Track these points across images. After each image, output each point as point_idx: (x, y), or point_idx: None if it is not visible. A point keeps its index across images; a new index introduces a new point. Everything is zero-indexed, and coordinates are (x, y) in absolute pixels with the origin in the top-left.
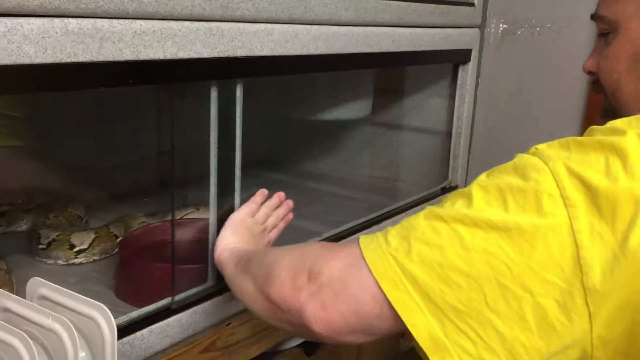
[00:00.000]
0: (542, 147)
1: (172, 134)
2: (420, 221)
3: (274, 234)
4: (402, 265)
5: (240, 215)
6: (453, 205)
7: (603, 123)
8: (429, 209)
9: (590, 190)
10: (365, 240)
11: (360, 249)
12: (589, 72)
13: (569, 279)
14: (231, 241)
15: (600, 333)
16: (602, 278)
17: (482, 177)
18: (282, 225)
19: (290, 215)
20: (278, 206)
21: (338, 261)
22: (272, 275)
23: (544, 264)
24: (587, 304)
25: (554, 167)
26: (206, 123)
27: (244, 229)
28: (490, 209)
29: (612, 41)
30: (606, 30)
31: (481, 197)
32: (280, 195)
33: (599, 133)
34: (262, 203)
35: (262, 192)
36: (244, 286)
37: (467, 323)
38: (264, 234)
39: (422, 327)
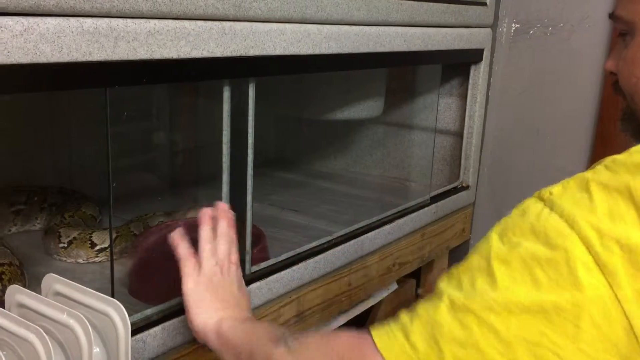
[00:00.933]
0: (556, 192)
1: (107, 134)
2: (443, 316)
3: (234, 257)
4: None
5: (208, 272)
6: (473, 286)
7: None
8: (449, 299)
9: (628, 251)
10: (382, 338)
11: (380, 354)
12: (611, 73)
13: (624, 354)
14: (220, 310)
15: None
16: None
17: (497, 244)
18: (233, 235)
19: (233, 234)
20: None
21: None
22: None
23: (594, 343)
24: None
25: (581, 231)
26: (219, 122)
27: (218, 288)
28: (517, 286)
29: (629, 43)
30: (624, 30)
31: (504, 273)
32: (206, 222)
33: (623, 169)
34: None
35: (205, 231)
36: None
37: None
38: (230, 269)
39: None
